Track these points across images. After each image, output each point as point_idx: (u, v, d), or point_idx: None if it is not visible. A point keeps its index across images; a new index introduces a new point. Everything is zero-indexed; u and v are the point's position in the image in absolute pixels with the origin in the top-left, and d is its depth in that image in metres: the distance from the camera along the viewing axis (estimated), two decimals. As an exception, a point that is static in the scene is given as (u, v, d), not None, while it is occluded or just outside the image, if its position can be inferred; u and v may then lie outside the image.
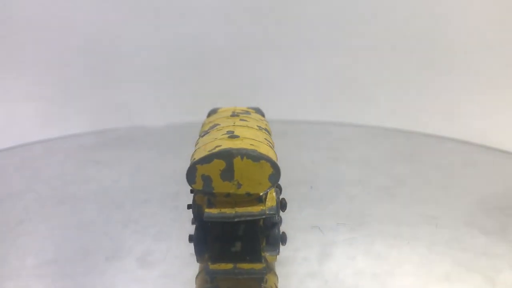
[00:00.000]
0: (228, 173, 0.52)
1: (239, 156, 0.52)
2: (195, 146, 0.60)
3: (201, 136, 0.62)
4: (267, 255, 0.55)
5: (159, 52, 1.25)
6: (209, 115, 0.72)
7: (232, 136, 0.56)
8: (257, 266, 0.52)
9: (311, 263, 0.53)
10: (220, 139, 0.56)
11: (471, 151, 0.87)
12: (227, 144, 0.54)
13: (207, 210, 0.53)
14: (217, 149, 0.53)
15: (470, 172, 0.77)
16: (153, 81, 1.26)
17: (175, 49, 1.26)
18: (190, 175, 0.52)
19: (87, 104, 1.23)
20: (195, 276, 0.51)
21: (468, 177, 0.74)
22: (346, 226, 0.61)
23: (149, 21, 1.24)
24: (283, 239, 0.57)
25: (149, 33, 1.25)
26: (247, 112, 0.71)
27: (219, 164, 0.52)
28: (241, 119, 0.65)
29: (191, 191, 0.63)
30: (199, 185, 0.52)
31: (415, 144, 0.97)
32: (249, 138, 0.56)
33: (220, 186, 0.52)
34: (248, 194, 0.53)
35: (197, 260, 0.53)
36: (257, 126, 0.63)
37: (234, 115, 0.68)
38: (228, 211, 0.53)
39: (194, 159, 0.53)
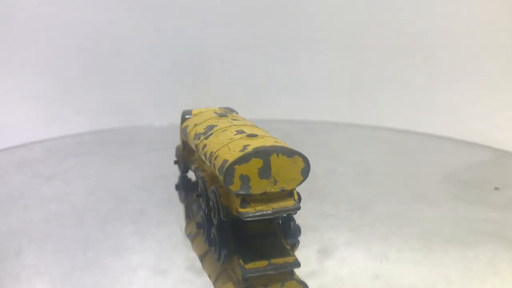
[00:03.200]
0: (265, 171, 0.53)
1: (275, 153, 0.53)
2: (203, 148, 0.59)
3: (201, 138, 0.61)
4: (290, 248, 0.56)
5: (159, 52, 1.26)
6: (184, 117, 0.72)
7: (250, 135, 0.57)
8: (290, 259, 0.53)
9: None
10: (239, 139, 0.56)
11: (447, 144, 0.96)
12: (256, 143, 0.54)
13: (242, 210, 0.53)
14: (249, 148, 0.53)
15: (443, 160, 0.88)
16: (153, 81, 1.26)
17: (175, 49, 1.26)
18: (228, 177, 0.52)
19: (87, 104, 1.23)
20: (214, 281, 0.50)
21: (441, 165, 0.85)
22: (343, 218, 0.62)
23: (149, 21, 1.24)
24: (299, 231, 0.59)
25: (149, 33, 1.25)
26: (228, 112, 0.71)
27: (257, 163, 0.52)
28: (233, 119, 0.66)
29: (197, 196, 0.62)
30: (236, 185, 0.52)
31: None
32: (267, 136, 0.57)
33: (258, 185, 0.53)
34: (283, 190, 0.54)
35: (222, 264, 0.53)
36: (251, 124, 0.64)
37: (222, 115, 0.68)
38: (265, 208, 0.53)
39: (227, 160, 0.52)
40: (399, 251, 0.56)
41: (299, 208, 0.54)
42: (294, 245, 0.56)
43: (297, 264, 0.52)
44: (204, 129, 0.63)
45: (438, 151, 0.93)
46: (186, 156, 0.72)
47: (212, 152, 0.56)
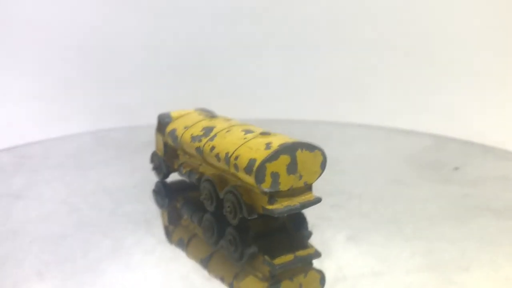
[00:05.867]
0: (292, 167, 0.54)
1: (299, 149, 0.54)
2: (211, 150, 0.59)
3: (204, 140, 0.61)
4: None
5: (159, 52, 1.25)
6: (165, 121, 0.70)
7: (263, 133, 0.57)
8: (311, 250, 0.54)
9: (344, 248, 0.56)
10: (254, 137, 0.56)
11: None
12: (276, 140, 0.55)
13: (270, 207, 0.54)
14: (273, 145, 0.54)
15: (401, 149, 0.95)
16: (153, 81, 1.26)
17: (175, 49, 1.26)
18: (260, 175, 0.52)
19: (87, 104, 1.23)
20: (232, 281, 0.50)
21: (402, 152, 0.91)
22: (346, 207, 0.65)
23: (149, 21, 1.24)
24: (306, 223, 0.61)
25: (149, 33, 1.25)
26: (212, 113, 0.71)
27: (285, 160, 0.53)
28: (225, 120, 0.66)
29: (204, 199, 0.62)
30: (267, 183, 0.53)
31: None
32: (278, 133, 0.58)
33: (286, 181, 0.54)
34: (306, 184, 0.56)
35: (243, 263, 0.53)
36: (248, 123, 0.64)
37: (212, 116, 0.68)
38: (292, 203, 0.55)
39: (255, 159, 0.53)
40: (416, 231, 0.59)
41: (320, 200, 0.56)
42: (308, 236, 0.57)
43: (318, 254, 0.53)
44: (202, 131, 0.62)
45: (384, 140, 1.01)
46: (168, 160, 0.70)
47: (228, 152, 0.56)
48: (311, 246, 0.55)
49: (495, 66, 1.21)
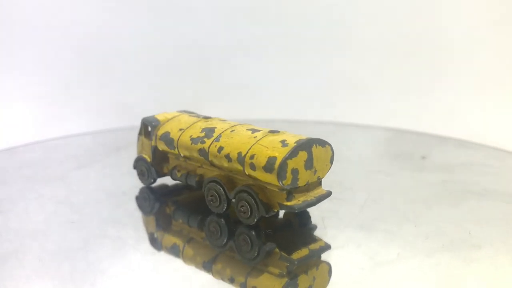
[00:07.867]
0: (309, 163, 0.55)
1: (314, 145, 0.55)
2: (219, 151, 0.58)
3: (208, 142, 0.60)
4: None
5: (159, 52, 1.25)
6: (152, 125, 0.68)
7: (272, 131, 0.58)
8: (321, 243, 0.56)
9: (360, 238, 0.57)
10: (264, 136, 0.57)
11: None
12: (290, 138, 0.56)
13: (289, 203, 0.55)
14: (290, 142, 0.54)
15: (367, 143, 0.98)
16: (153, 81, 1.26)
17: (175, 49, 1.26)
18: (282, 172, 0.53)
19: (87, 104, 1.23)
20: (244, 281, 0.49)
21: (372, 146, 0.95)
22: (344, 199, 0.66)
23: (149, 21, 1.24)
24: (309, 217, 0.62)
25: (149, 33, 1.25)
26: (197, 113, 0.71)
27: (303, 156, 0.54)
28: (221, 120, 0.66)
29: (211, 201, 0.61)
30: (288, 180, 0.53)
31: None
32: (285, 131, 0.59)
33: (304, 177, 0.55)
34: (318, 179, 0.57)
35: (258, 261, 0.53)
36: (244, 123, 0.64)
37: (206, 117, 0.67)
38: (308, 198, 0.56)
39: (275, 157, 0.53)
40: (418, 216, 0.61)
41: (331, 194, 0.58)
42: (314, 230, 0.58)
43: (328, 246, 0.55)
44: (202, 132, 0.62)
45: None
46: (158, 165, 0.69)
47: (241, 152, 0.56)
48: (320, 239, 0.56)
49: (494, 65, 1.21)
